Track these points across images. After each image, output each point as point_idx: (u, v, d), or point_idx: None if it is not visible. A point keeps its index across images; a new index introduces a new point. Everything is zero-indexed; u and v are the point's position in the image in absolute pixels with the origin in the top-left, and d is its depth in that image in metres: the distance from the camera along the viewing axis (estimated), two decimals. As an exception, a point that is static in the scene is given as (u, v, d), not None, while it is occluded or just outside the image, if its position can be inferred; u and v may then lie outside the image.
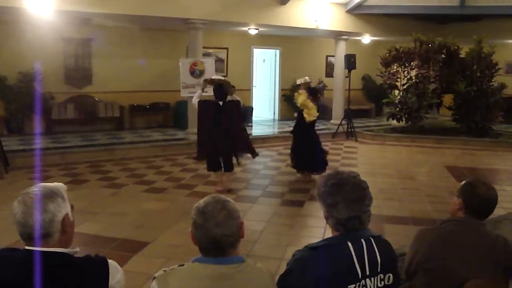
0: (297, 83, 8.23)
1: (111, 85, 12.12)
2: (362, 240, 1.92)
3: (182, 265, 1.76)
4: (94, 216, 5.77)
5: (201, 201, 1.79)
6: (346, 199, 1.91)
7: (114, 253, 4.58)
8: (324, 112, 14.74)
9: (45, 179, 7.38)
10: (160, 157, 9.60)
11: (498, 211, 2.52)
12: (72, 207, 1.82)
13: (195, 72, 10.31)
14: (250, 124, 13.65)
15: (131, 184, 7.56)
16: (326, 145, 11.52)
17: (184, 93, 10.36)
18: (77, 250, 1.80)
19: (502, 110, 12.34)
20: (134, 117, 12.74)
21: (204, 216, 1.73)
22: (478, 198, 2.35)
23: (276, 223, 5.84)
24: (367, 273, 1.87)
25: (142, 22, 11.05)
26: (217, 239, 1.71)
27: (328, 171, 2.10)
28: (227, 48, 14.13)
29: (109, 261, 1.82)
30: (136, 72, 12.33)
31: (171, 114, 13.08)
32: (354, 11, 12.61)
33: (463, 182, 2.47)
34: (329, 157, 10.00)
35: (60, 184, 1.84)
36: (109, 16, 9.80)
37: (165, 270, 1.75)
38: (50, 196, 1.74)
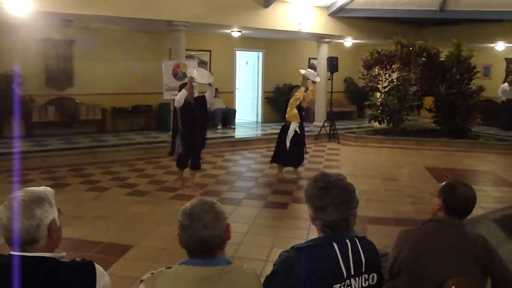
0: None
1: (93, 87, 12.03)
2: (347, 240, 1.95)
3: (170, 267, 1.77)
4: (77, 220, 5.73)
5: (188, 204, 1.81)
6: (334, 202, 1.94)
7: (98, 257, 4.55)
8: (307, 114, 14.87)
9: (26, 183, 7.30)
10: (143, 160, 9.55)
11: (476, 211, 2.58)
12: (59, 211, 1.82)
13: (178, 74, 10.28)
14: (233, 126, 13.67)
15: (114, 187, 7.52)
16: (309, 147, 11.61)
17: (166, 96, 10.33)
18: (63, 254, 1.79)
19: (480, 112, 12.58)
20: (116, 119, 12.64)
21: (192, 218, 1.74)
22: (457, 198, 2.40)
23: (260, 225, 5.87)
24: (352, 273, 1.91)
25: (125, 24, 10.99)
26: (205, 240, 1.73)
27: (315, 174, 2.11)
28: (210, 51, 14.12)
29: (96, 265, 1.82)
30: (118, 74, 12.24)
31: (153, 116, 13.02)
32: (336, 14, 12.72)
33: (444, 183, 2.53)
34: (312, 159, 10.11)
35: (47, 188, 1.83)
36: (91, 18, 9.72)
37: (152, 273, 1.76)
38: (37, 201, 1.73)
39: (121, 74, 12.27)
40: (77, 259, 1.81)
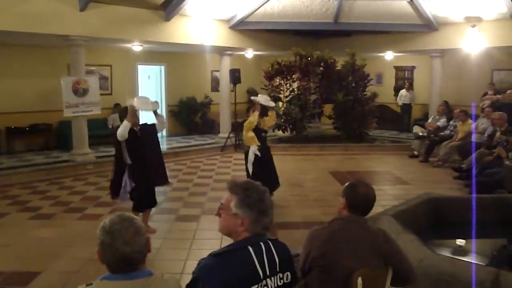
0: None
1: (-16, 106, 11.23)
2: (261, 243, 2.07)
3: (91, 284, 1.76)
4: (-25, 249, 5.36)
5: (106, 220, 1.80)
6: (270, 204, 2.14)
7: None
8: (212, 126, 14.98)
9: None
10: (45, 181, 9.08)
11: (376, 209, 2.82)
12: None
13: (79, 90, 9.97)
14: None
15: (14, 212, 7.08)
16: (216, 158, 11.72)
17: (67, 113, 9.95)
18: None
19: (375, 116, 13.49)
20: (11, 140, 11.86)
21: (112, 236, 1.75)
22: (359, 196, 2.63)
23: (173, 239, 5.86)
24: (268, 273, 2.02)
25: (19, 38, 10.38)
26: (127, 257, 1.75)
27: (234, 182, 2.22)
28: (110, 65, 13.78)
29: None
30: (12, 92, 11.54)
31: (53, 135, 12.41)
32: (237, 27, 13.00)
33: (347, 184, 2.75)
34: (219, 170, 10.20)
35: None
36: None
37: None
38: None
39: (16, 92, 11.59)
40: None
